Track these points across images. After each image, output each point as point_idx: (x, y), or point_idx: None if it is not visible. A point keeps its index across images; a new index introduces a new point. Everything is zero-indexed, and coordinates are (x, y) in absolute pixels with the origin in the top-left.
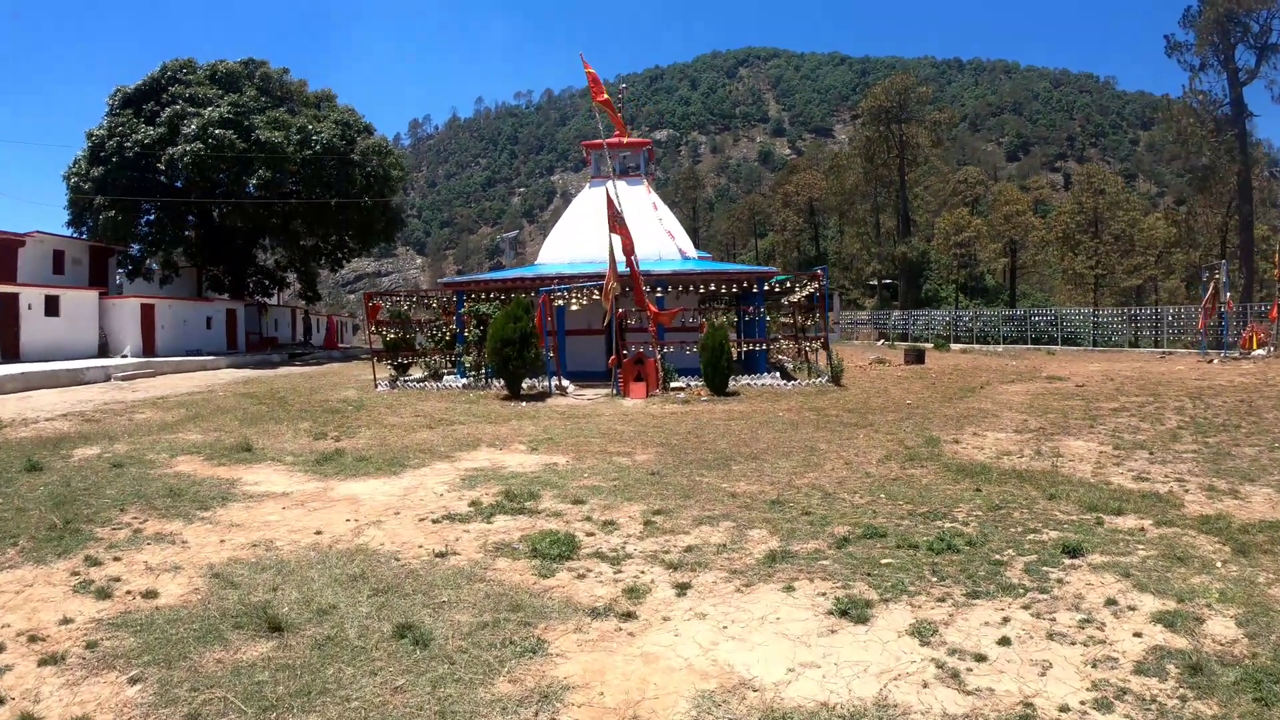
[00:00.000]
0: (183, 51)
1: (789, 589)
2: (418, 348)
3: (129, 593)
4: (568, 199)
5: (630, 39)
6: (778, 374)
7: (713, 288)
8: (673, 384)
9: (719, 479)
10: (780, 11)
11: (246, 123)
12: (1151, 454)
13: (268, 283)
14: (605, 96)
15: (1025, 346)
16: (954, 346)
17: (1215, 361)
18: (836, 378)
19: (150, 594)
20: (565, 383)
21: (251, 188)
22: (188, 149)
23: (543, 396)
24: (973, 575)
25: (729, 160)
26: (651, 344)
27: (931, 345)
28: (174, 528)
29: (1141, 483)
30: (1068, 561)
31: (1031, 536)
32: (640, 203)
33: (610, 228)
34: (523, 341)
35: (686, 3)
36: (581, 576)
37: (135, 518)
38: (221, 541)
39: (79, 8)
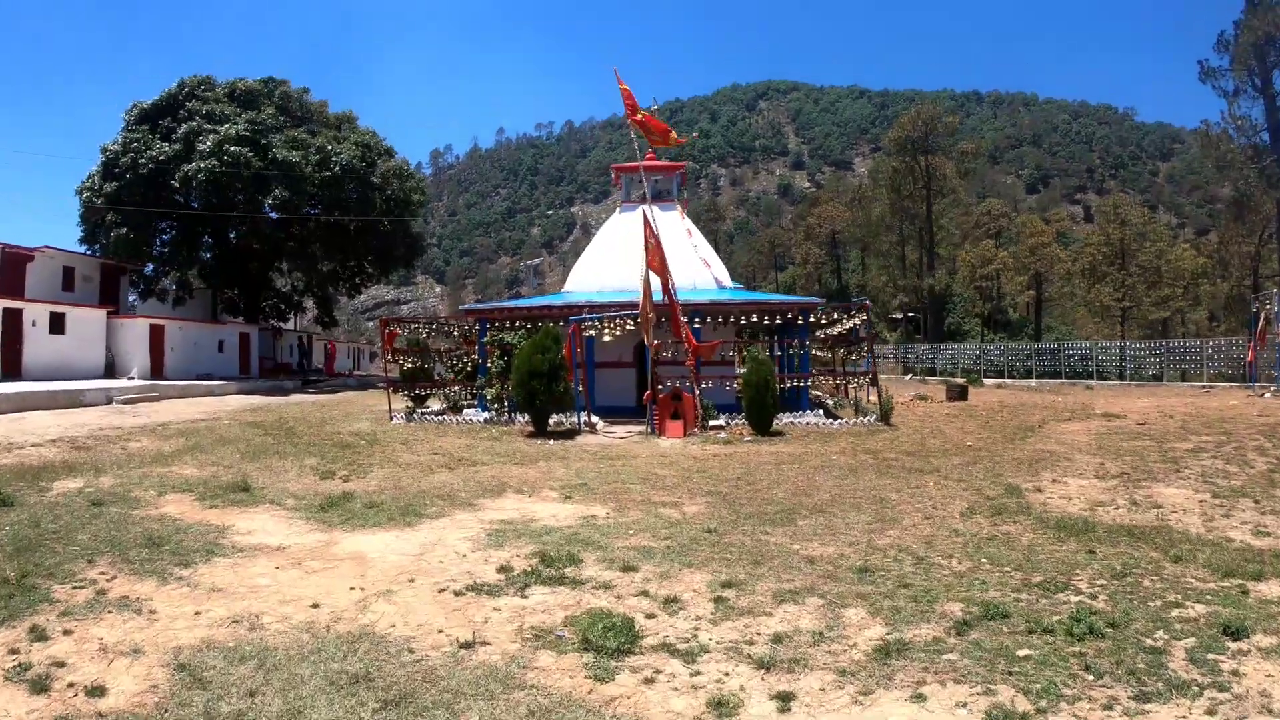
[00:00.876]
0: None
1: (918, 697)
2: (436, 378)
3: (71, 685)
4: (587, 230)
5: (650, 72)
6: (820, 412)
7: (754, 319)
8: (712, 422)
9: (787, 538)
10: (799, 45)
11: (264, 141)
12: (1257, 502)
13: (283, 307)
14: (641, 115)
15: (1059, 381)
16: (986, 381)
17: (1267, 395)
18: (886, 416)
19: (96, 690)
20: (595, 419)
21: (268, 208)
22: (202, 166)
23: (571, 434)
24: (1132, 670)
25: (749, 193)
26: (690, 379)
27: (964, 380)
28: (145, 590)
29: (1264, 538)
30: (1232, 645)
31: (1177, 612)
32: (674, 229)
33: (646, 254)
34: (551, 374)
35: (706, 37)
36: (650, 680)
37: (103, 573)
38: (197, 614)
39: (106, 26)
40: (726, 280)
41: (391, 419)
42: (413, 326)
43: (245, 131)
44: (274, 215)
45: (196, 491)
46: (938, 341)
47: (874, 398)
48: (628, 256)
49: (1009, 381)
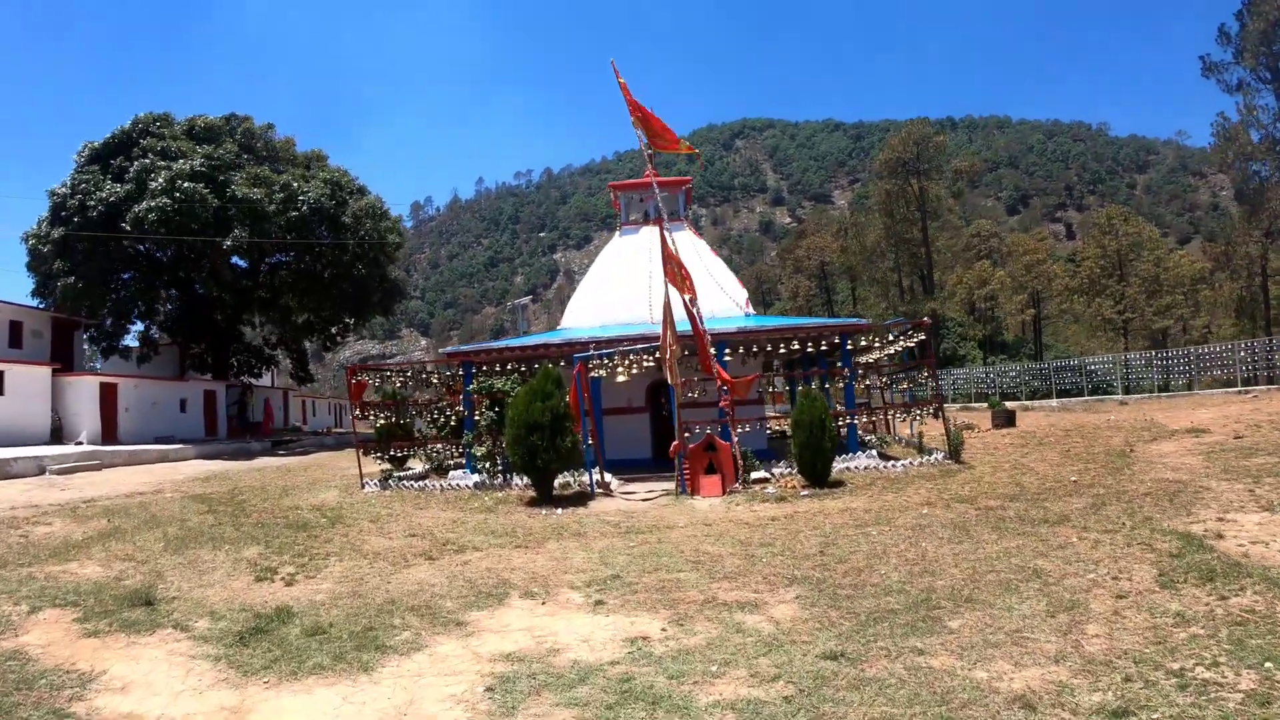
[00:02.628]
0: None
1: None
2: (416, 435)
3: None
4: (570, 276)
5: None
6: (873, 453)
7: (790, 346)
8: (754, 475)
9: (952, 655)
10: (773, 82)
11: (222, 178)
12: None
13: (254, 361)
14: (645, 111)
15: (1084, 399)
16: (1007, 404)
17: None
18: (956, 453)
19: None
20: (609, 478)
21: (227, 250)
22: (153, 205)
23: (582, 499)
24: None
25: (730, 232)
26: (727, 422)
27: (986, 405)
28: None
29: None
30: None
31: None
32: (684, 250)
33: (666, 274)
34: (555, 426)
35: (681, 79)
36: None
37: None
38: None
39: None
40: (744, 304)
41: (363, 486)
42: (386, 375)
43: (201, 167)
44: (235, 261)
45: (84, 606)
46: (937, 367)
47: (931, 431)
48: (633, 284)
49: (1032, 404)
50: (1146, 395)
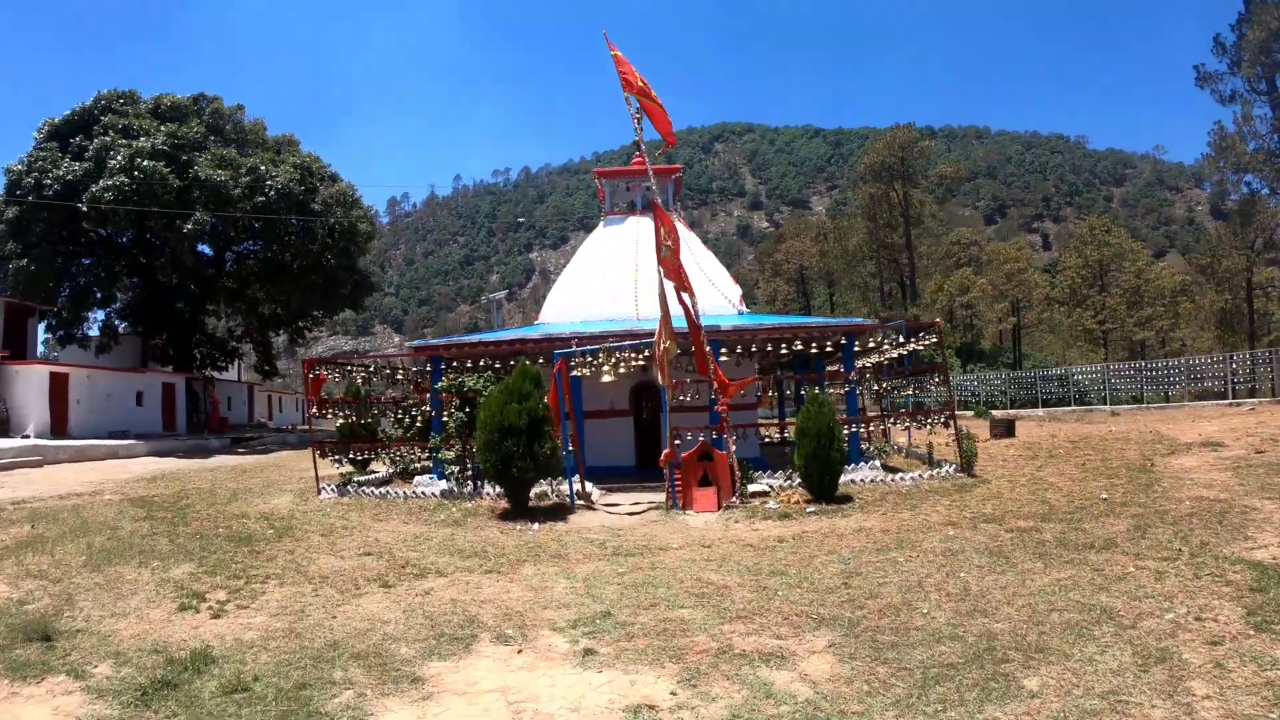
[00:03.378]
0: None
1: None
2: (381, 436)
3: None
4: (546, 276)
5: (605, 117)
6: (876, 464)
7: (790, 347)
8: (752, 487)
9: None
10: (753, 87)
11: (185, 158)
12: None
13: (217, 354)
14: (641, 84)
15: (1070, 409)
16: (994, 413)
17: None
18: (969, 466)
19: None
20: (590, 488)
21: (194, 239)
22: (111, 183)
23: (561, 511)
24: None
25: (708, 235)
26: (721, 429)
27: (972, 413)
28: None
29: None
30: None
31: None
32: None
33: (660, 262)
34: (532, 430)
35: (661, 82)
36: None
37: None
38: None
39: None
40: (738, 302)
41: (320, 492)
42: (348, 369)
43: (164, 146)
44: (202, 249)
45: None
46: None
47: (937, 440)
48: (619, 278)
49: (1018, 413)
50: (1135, 406)
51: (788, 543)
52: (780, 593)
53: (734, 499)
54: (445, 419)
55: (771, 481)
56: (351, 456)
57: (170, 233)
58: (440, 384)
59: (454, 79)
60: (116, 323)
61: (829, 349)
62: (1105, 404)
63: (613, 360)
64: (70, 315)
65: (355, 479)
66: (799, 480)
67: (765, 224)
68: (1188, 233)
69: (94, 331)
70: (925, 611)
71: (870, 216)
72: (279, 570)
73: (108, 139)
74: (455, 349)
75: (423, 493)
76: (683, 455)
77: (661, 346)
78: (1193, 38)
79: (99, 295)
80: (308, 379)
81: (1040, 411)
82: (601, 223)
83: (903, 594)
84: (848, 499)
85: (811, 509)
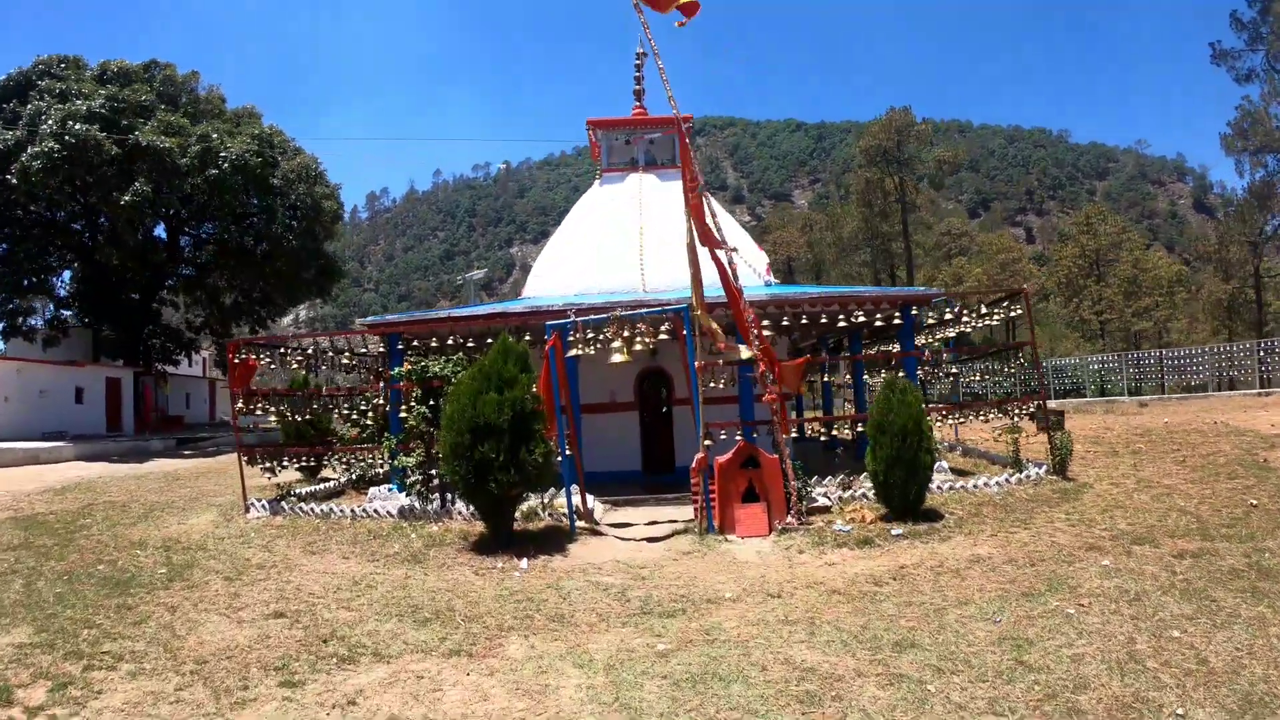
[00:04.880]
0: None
1: None
2: (333, 435)
3: None
4: (527, 271)
5: (586, 111)
6: (944, 466)
7: (857, 319)
8: (810, 502)
9: None
10: (734, 81)
11: (126, 123)
12: None
13: (172, 347)
14: None
15: (1087, 399)
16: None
17: None
18: (1063, 467)
19: None
20: (593, 503)
21: (137, 215)
22: (40, 150)
23: (557, 538)
24: None
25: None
26: (774, 423)
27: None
28: None
29: None
30: None
31: None
32: (683, 207)
33: (689, 210)
34: (518, 428)
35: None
36: None
37: None
38: None
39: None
40: (765, 271)
41: (248, 509)
42: (283, 352)
43: (102, 109)
44: (159, 234)
45: None
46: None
47: (978, 434)
48: (621, 243)
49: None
50: (1161, 397)
51: (889, 586)
52: (931, 685)
53: (790, 518)
54: (403, 415)
55: (826, 492)
56: (289, 463)
57: (106, 205)
58: (397, 370)
59: (433, 72)
60: (64, 314)
61: (895, 320)
62: (1124, 394)
63: (624, 334)
64: (5, 304)
65: (296, 491)
66: (862, 490)
67: (748, 218)
68: (1171, 226)
69: (40, 324)
70: (1181, 714)
71: (865, 203)
72: (143, 646)
73: (42, 104)
74: (417, 325)
75: (376, 510)
76: (720, 461)
77: (707, 322)
78: (1175, 32)
79: (33, 281)
80: (232, 365)
81: (1052, 403)
82: (597, 181)
83: (1119, 676)
84: (935, 514)
85: (898, 530)
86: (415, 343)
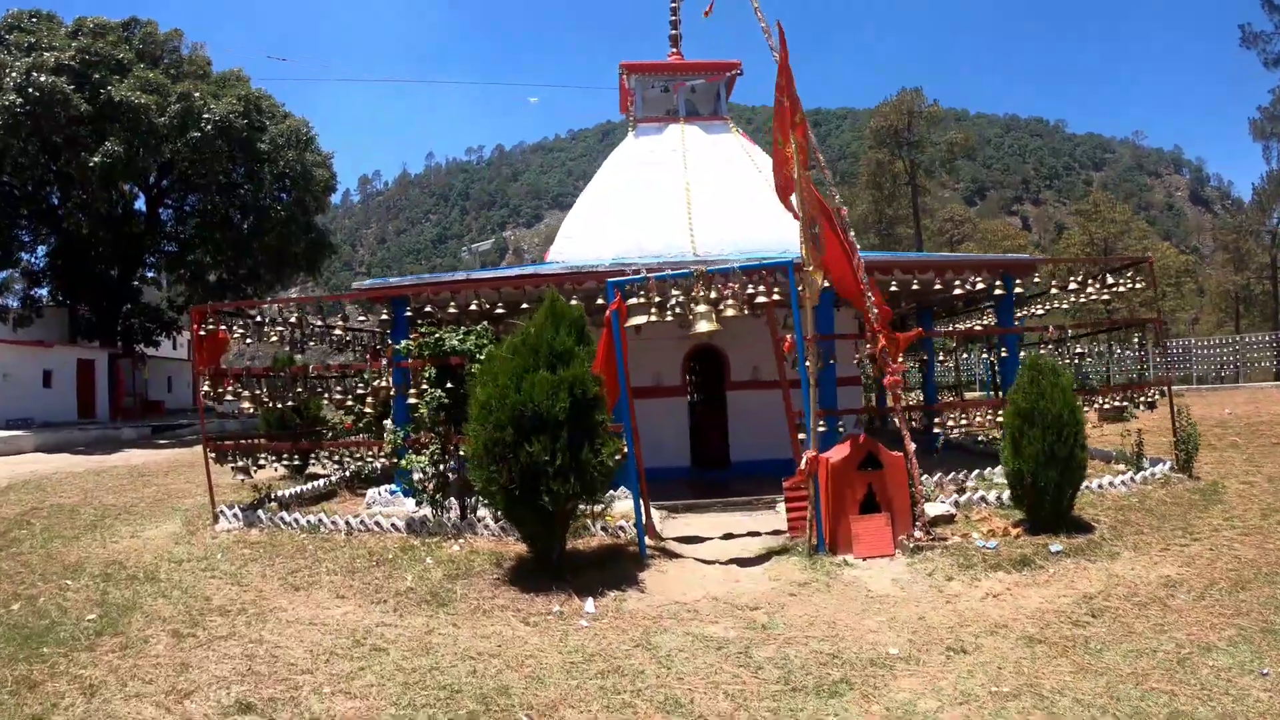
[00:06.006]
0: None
1: None
2: (325, 425)
3: None
4: (520, 255)
5: (581, 95)
6: None
7: (957, 289)
8: (930, 509)
9: None
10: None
11: (99, 76)
12: None
13: (153, 327)
14: None
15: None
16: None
17: None
18: (1188, 464)
19: None
20: (655, 517)
21: (109, 179)
22: (1, 104)
23: (620, 563)
24: None
25: None
26: (894, 413)
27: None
28: None
29: None
30: None
31: None
32: (736, 164)
33: (781, 126)
34: (578, 419)
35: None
36: None
37: None
38: None
39: None
40: None
41: (216, 520)
42: (259, 321)
43: (72, 62)
44: (139, 207)
45: None
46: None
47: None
48: (666, 199)
49: None
50: (1187, 387)
51: (1092, 626)
52: None
53: (916, 532)
54: (412, 399)
55: (940, 496)
56: (267, 460)
57: (75, 167)
58: (404, 344)
59: (426, 54)
60: (36, 292)
61: (996, 290)
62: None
63: (712, 294)
64: None
65: (277, 495)
66: (979, 493)
67: None
68: (1168, 218)
69: (14, 303)
70: None
71: (874, 185)
72: None
73: (8, 57)
74: (429, 289)
75: (378, 522)
76: (834, 461)
77: (814, 276)
78: (1174, 22)
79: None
80: (198, 338)
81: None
82: (631, 133)
83: None
84: (1082, 524)
85: (1057, 546)
86: (428, 310)
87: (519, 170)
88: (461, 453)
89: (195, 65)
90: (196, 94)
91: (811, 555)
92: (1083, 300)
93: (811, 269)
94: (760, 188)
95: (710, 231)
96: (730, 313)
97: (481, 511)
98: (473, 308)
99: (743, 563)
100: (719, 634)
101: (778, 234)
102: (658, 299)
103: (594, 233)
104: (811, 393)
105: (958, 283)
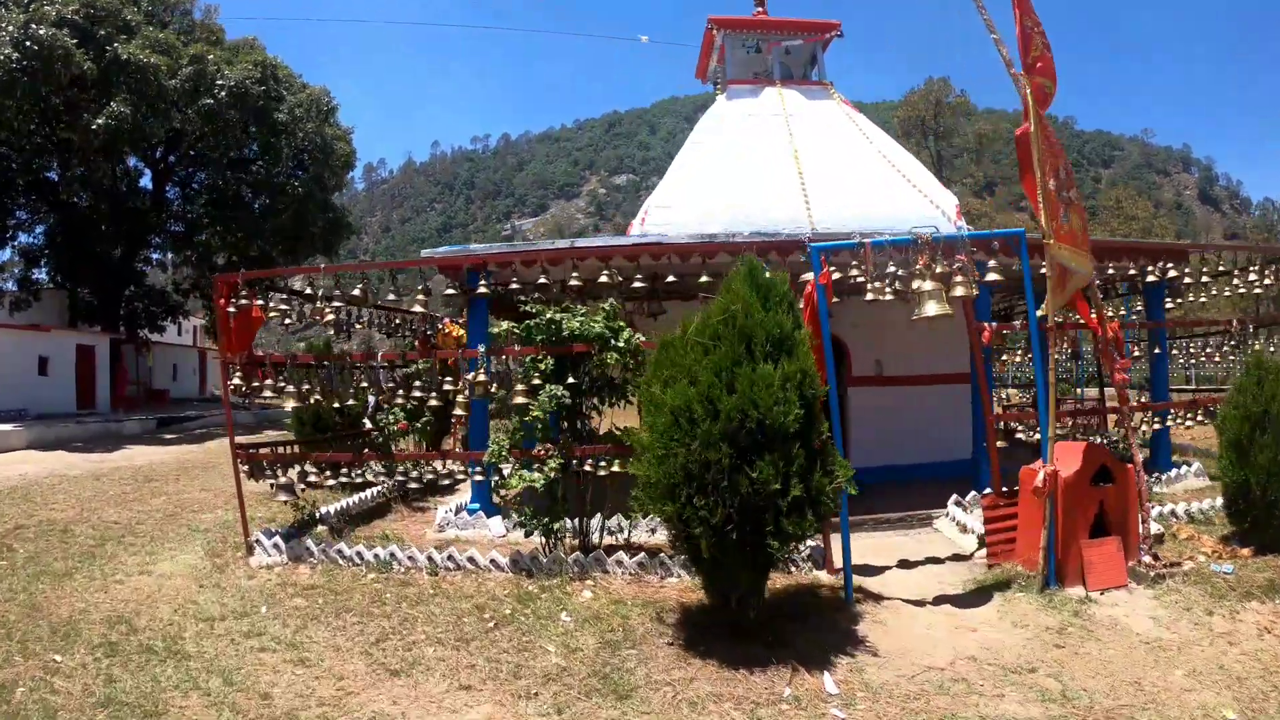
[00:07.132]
0: None
1: None
2: (369, 425)
3: None
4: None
5: (588, 84)
6: (1199, 468)
7: (1130, 271)
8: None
9: None
10: None
11: (102, 32)
12: None
13: (157, 310)
14: None
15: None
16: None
17: None
18: None
19: None
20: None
21: (112, 147)
22: None
23: (815, 613)
24: None
25: None
26: (1121, 421)
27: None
28: None
29: None
30: None
31: None
32: (841, 131)
33: (1027, 59)
34: (807, 430)
35: (643, 50)
36: None
37: None
38: None
39: None
40: (957, 216)
41: (251, 551)
42: (302, 299)
43: (75, 15)
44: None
45: None
46: None
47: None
48: (774, 166)
49: None
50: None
51: None
52: None
53: (1144, 557)
54: (520, 399)
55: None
56: (323, 469)
57: (76, 131)
58: (506, 326)
59: (432, 42)
60: (34, 274)
61: (1133, 272)
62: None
63: (955, 264)
64: None
65: (318, 527)
66: (1169, 505)
67: None
68: (1177, 217)
69: (10, 285)
70: None
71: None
72: None
73: (4, 11)
74: (529, 257)
75: (472, 559)
76: (1065, 476)
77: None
78: (1184, 20)
79: None
80: (224, 316)
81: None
82: (722, 95)
83: None
84: None
85: None
86: (514, 286)
87: (525, 160)
88: (588, 467)
89: (208, 30)
90: (210, 57)
91: (1044, 591)
92: (1242, 291)
93: (1056, 243)
94: (873, 159)
95: (828, 203)
96: (959, 291)
97: (604, 539)
98: (572, 282)
99: (957, 602)
100: (1019, 714)
101: (895, 207)
102: (877, 272)
103: (696, 204)
104: (1050, 394)
105: (1112, 268)
